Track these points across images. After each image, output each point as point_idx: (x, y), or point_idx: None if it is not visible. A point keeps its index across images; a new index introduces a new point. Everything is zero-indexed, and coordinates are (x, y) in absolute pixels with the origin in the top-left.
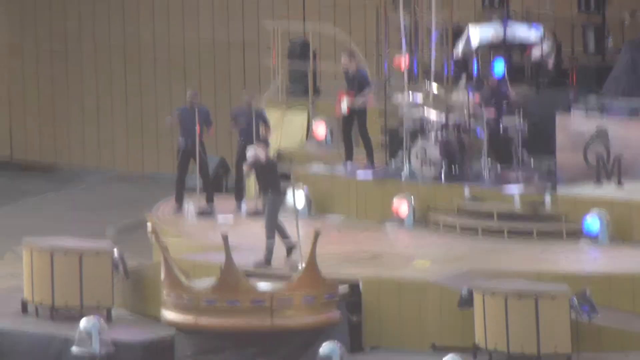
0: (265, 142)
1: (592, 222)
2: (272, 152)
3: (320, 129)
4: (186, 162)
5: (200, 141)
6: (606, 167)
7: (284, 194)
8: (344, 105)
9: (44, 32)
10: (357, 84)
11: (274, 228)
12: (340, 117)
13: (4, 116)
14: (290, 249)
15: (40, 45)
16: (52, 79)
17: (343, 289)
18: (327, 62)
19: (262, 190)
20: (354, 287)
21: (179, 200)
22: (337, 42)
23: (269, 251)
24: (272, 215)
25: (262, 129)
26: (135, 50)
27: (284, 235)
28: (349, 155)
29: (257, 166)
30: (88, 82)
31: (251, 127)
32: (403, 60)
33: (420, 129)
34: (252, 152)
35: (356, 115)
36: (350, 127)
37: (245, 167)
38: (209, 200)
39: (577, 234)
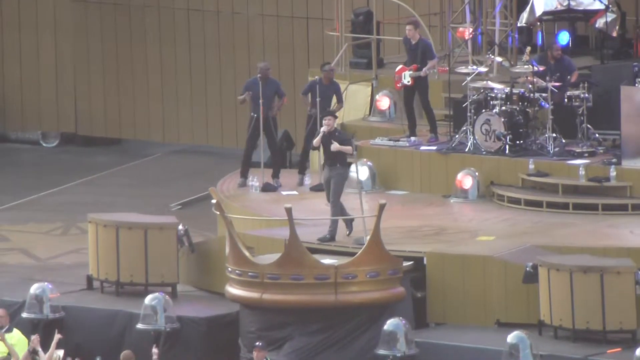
0: (333, 114)
1: None
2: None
3: (383, 102)
4: (256, 136)
5: (272, 115)
6: None
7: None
8: (406, 79)
9: (108, 8)
10: (420, 54)
11: (339, 202)
12: (400, 91)
13: (69, 92)
14: (348, 224)
15: (104, 20)
16: (116, 54)
17: (407, 264)
18: (391, 33)
19: (329, 163)
20: (418, 263)
21: (244, 175)
22: (400, 13)
23: (333, 226)
24: (338, 188)
25: (335, 105)
26: (199, 25)
27: (335, 214)
28: (412, 129)
29: (326, 139)
30: (152, 56)
31: (324, 101)
32: (467, 31)
33: (485, 101)
34: (324, 126)
35: (417, 87)
36: (412, 100)
37: (315, 140)
38: (275, 175)
39: None
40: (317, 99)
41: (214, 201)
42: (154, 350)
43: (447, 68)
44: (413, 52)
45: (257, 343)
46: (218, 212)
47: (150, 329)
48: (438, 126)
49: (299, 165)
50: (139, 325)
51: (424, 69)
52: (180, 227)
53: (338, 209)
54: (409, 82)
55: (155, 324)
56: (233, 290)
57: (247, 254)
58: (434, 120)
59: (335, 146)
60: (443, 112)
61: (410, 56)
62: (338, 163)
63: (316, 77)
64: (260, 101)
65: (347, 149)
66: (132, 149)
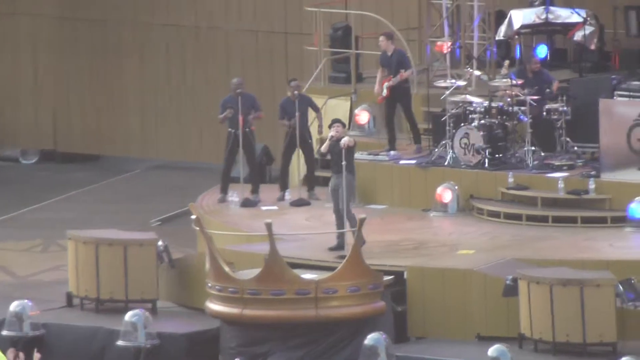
0: (342, 122)
1: (637, 208)
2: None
3: (362, 116)
4: (235, 152)
5: (249, 129)
6: None
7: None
8: (384, 91)
9: (86, 25)
10: (394, 65)
11: (350, 210)
12: (381, 104)
13: (48, 109)
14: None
15: (82, 37)
16: (94, 70)
17: (388, 278)
18: (370, 48)
19: (337, 170)
20: (399, 277)
21: (224, 190)
22: (379, 28)
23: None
24: (348, 196)
25: (315, 116)
26: (178, 41)
27: (340, 223)
28: (391, 142)
29: (334, 146)
30: (130, 72)
31: (301, 116)
32: (445, 45)
33: (463, 115)
34: (333, 132)
35: (399, 99)
36: (393, 113)
37: (323, 146)
38: (255, 191)
39: (621, 220)
40: (297, 114)
41: (193, 217)
42: None
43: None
44: (388, 64)
45: (236, 359)
46: (198, 228)
47: (131, 345)
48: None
49: (280, 181)
50: (119, 342)
51: (393, 79)
52: (160, 243)
53: (352, 216)
54: (384, 93)
55: (135, 341)
56: (213, 306)
57: (227, 269)
58: (417, 130)
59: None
60: (422, 126)
61: (388, 68)
62: (347, 171)
63: (288, 94)
64: (240, 117)
65: (349, 140)
66: (111, 165)
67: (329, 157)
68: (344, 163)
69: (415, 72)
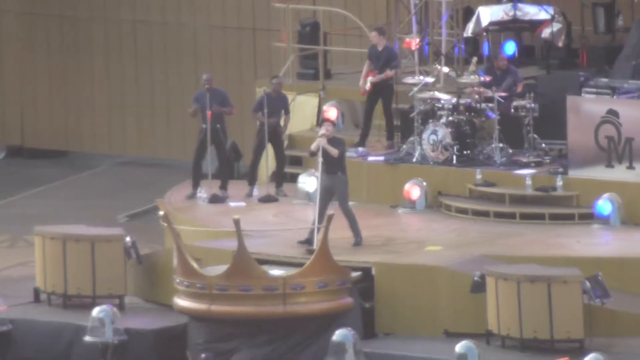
0: (333, 122)
1: (604, 205)
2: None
3: (331, 113)
4: (204, 147)
5: (220, 126)
6: (617, 149)
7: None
8: (367, 84)
9: (54, 21)
10: (383, 60)
11: (350, 208)
12: (363, 98)
13: (15, 104)
14: (309, 240)
15: (50, 33)
16: (62, 66)
17: (355, 275)
18: (338, 44)
19: (329, 170)
20: (367, 273)
21: (195, 186)
22: (347, 24)
23: (359, 231)
24: (345, 196)
25: (283, 118)
26: (146, 37)
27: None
28: (363, 138)
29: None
30: (99, 68)
31: (276, 113)
32: (414, 42)
33: (432, 112)
34: (323, 130)
35: (381, 94)
36: (373, 108)
37: (313, 145)
38: (223, 187)
39: (588, 217)
40: (265, 111)
41: (161, 213)
42: None
43: (390, 74)
44: (377, 59)
45: (202, 355)
46: (165, 224)
47: (98, 341)
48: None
49: (249, 177)
50: (87, 338)
51: (378, 76)
52: (128, 239)
53: (352, 214)
54: (368, 87)
55: (102, 337)
56: (181, 302)
57: (195, 265)
58: (392, 128)
59: (323, 141)
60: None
61: (375, 63)
62: (339, 171)
63: (264, 88)
64: (208, 112)
65: (334, 152)
66: (78, 161)
67: (320, 159)
68: (320, 160)
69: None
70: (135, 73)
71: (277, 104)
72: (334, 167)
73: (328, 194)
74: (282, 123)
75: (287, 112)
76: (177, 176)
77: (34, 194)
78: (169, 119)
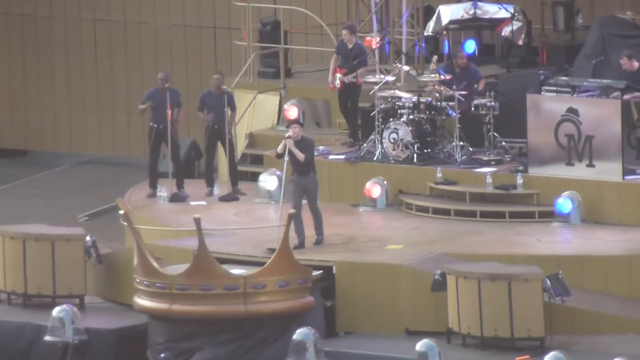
0: (300, 123)
1: (564, 203)
2: (244, 136)
3: (291, 111)
4: (158, 146)
5: (172, 124)
6: (577, 147)
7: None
8: (336, 81)
9: (14, 19)
10: (352, 59)
11: (318, 208)
12: (335, 91)
13: None
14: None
15: (10, 31)
16: (22, 64)
17: (317, 273)
18: (299, 42)
19: (300, 171)
20: (328, 272)
21: (153, 185)
22: (307, 22)
23: (320, 229)
24: (316, 195)
25: (228, 113)
26: (106, 35)
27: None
28: (352, 133)
29: (296, 146)
30: (59, 67)
31: (221, 111)
32: (374, 40)
33: (392, 110)
34: (290, 132)
35: (348, 92)
36: (346, 104)
37: (280, 147)
38: (179, 186)
39: (549, 215)
40: (205, 109)
41: (121, 212)
42: None
43: (361, 80)
44: (347, 57)
45: (161, 355)
46: (126, 223)
47: (58, 340)
48: (344, 135)
49: (206, 177)
50: (47, 337)
51: (348, 76)
52: (88, 238)
53: (320, 214)
54: (338, 84)
55: (63, 336)
56: (141, 301)
57: (155, 264)
58: (356, 126)
59: (289, 143)
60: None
61: (344, 60)
62: (311, 171)
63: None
64: (168, 111)
65: (300, 155)
66: (39, 161)
67: (286, 157)
68: (285, 159)
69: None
70: (95, 72)
71: (221, 100)
72: (304, 167)
73: (301, 193)
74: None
75: (232, 109)
76: (138, 175)
77: None
78: (130, 118)
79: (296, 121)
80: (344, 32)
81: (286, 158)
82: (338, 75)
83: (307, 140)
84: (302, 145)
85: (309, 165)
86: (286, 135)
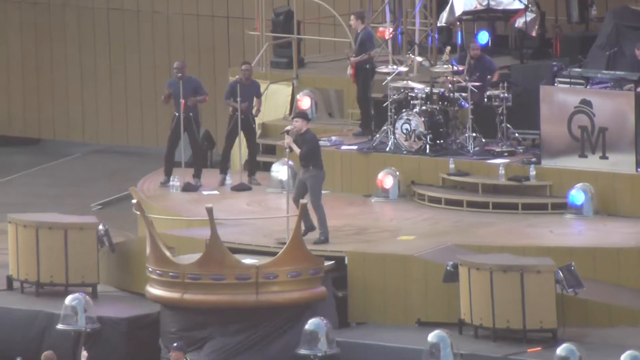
0: (304, 116)
1: (577, 195)
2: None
3: (304, 102)
4: (177, 135)
5: (192, 114)
6: (590, 139)
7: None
8: (349, 71)
9: (27, 7)
10: (358, 44)
11: (321, 204)
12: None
13: None
14: (306, 231)
15: (23, 19)
16: (35, 53)
17: (328, 264)
18: (312, 32)
19: (303, 164)
20: (340, 262)
21: (168, 173)
22: (321, 13)
23: (325, 228)
24: (316, 191)
25: (255, 103)
26: (119, 23)
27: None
28: (364, 124)
29: (298, 140)
30: (72, 55)
31: (250, 101)
32: (387, 31)
33: (405, 101)
34: (290, 126)
35: (359, 78)
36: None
37: (286, 139)
38: (197, 175)
39: (561, 207)
40: (238, 99)
41: (134, 201)
42: (84, 353)
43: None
44: (355, 42)
45: (173, 344)
46: (138, 212)
47: (71, 329)
48: (356, 125)
49: (220, 165)
50: (59, 326)
51: (353, 58)
52: (101, 227)
53: (322, 210)
54: (349, 73)
55: (75, 325)
56: (154, 290)
57: (167, 254)
58: (366, 115)
59: (288, 139)
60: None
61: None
62: (311, 165)
63: (237, 76)
64: (181, 100)
65: (296, 150)
66: (51, 149)
67: (287, 150)
68: (287, 151)
69: (376, 52)
70: (108, 60)
71: (249, 91)
72: (304, 161)
73: (302, 185)
74: (254, 110)
75: (258, 97)
76: (151, 164)
77: (6, 182)
78: (142, 107)
79: (302, 114)
80: (351, 18)
81: (288, 150)
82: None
83: (309, 134)
84: (303, 138)
85: (309, 159)
86: (285, 128)
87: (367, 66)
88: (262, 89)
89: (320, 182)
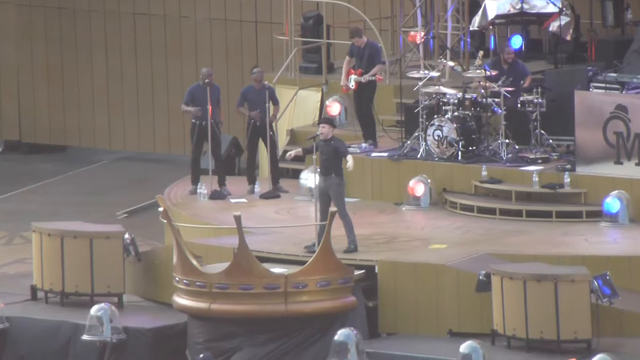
0: (330, 122)
1: (612, 202)
2: (285, 132)
3: (334, 108)
4: (201, 142)
5: (215, 121)
6: (626, 145)
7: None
8: (351, 82)
9: (53, 13)
10: (366, 58)
11: (347, 212)
12: (350, 95)
13: (12, 99)
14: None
15: (48, 25)
16: (61, 59)
17: (358, 273)
18: (341, 37)
19: (324, 172)
20: (370, 271)
21: (195, 182)
22: (350, 17)
23: (353, 236)
24: (341, 199)
25: (271, 109)
26: (146, 30)
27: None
28: (366, 135)
29: (321, 146)
30: (98, 62)
31: (263, 106)
32: (418, 35)
33: (437, 107)
34: (318, 131)
35: (363, 92)
36: (361, 105)
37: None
38: (221, 183)
39: (596, 215)
40: (246, 105)
41: (160, 209)
42: None
43: (381, 77)
44: (360, 56)
45: (200, 355)
46: (165, 221)
47: (96, 340)
48: (390, 132)
49: (247, 175)
50: (85, 336)
51: (365, 76)
52: (127, 235)
53: (348, 218)
54: (352, 86)
55: (101, 335)
56: (180, 300)
57: (195, 263)
58: (370, 128)
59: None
60: (394, 117)
61: (358, 60)
62: (333, 173)
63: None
64: (209, 107)
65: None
66: (77, 157)
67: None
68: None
69: (387, 63)
70: (135, 67)
71: (262, 96)
72: (326, 169)
73: (324, 195)
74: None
75: (275, 103)
76: (177, 172)
77: (31, 189)
78: (169, 114)
79: (328, 120)
80: (353, 39)
81: (314, 156)
82: (353, 76)
83: (337, 141)
84: (329, 145)
85: (333, 166)
86: (313, 134)
87: (374, 79)
88: (290, 95)
89: (344, 189)
